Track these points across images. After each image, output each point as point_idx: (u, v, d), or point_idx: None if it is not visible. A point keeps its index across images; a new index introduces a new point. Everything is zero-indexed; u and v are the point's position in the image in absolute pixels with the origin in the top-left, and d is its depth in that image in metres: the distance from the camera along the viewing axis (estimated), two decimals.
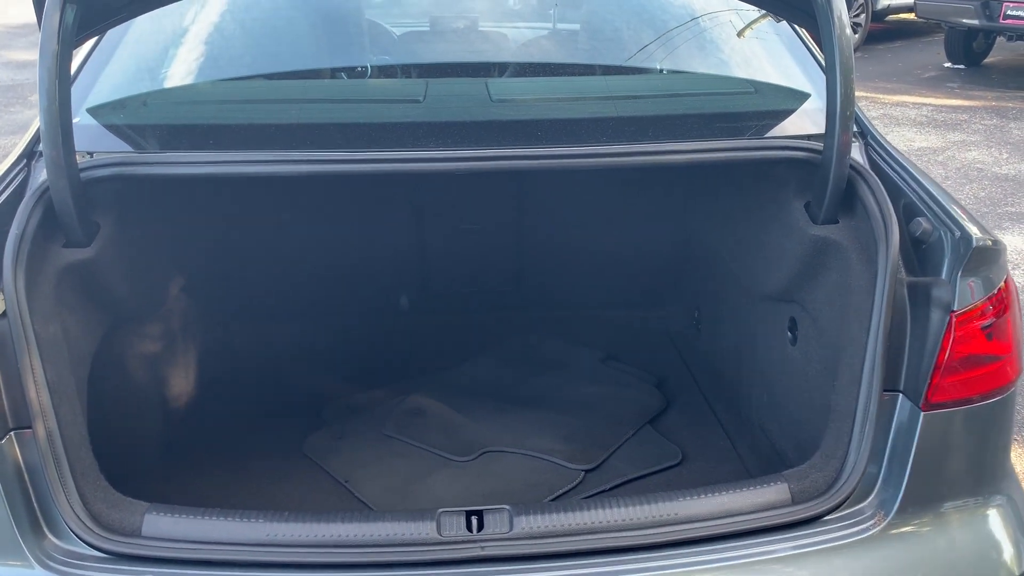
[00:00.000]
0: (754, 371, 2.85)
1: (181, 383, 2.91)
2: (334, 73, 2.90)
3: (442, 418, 3.01)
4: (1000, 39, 11.50)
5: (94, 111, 2.49)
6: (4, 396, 1.95)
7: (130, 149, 2.43)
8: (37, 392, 1.96)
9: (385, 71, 2.92)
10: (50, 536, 1.94)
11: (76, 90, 2.46)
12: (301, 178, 2.34)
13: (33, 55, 9.72)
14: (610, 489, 2.69)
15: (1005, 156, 7.92)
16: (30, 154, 2.34)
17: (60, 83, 2.07)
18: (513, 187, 3.30)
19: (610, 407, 3.07)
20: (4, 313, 1.96)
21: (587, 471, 2.76)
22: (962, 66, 11.53)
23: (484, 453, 2.84)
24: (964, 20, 10.56)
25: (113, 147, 2.38)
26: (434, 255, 3.45)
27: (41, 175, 2.21)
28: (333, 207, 3.13)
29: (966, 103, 9.81)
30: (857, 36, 12.34)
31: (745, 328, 2.90)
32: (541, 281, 3.57)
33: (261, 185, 2.60)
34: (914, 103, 9.83)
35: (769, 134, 2.52)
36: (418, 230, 3.35)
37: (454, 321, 3.57)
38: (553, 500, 2.63)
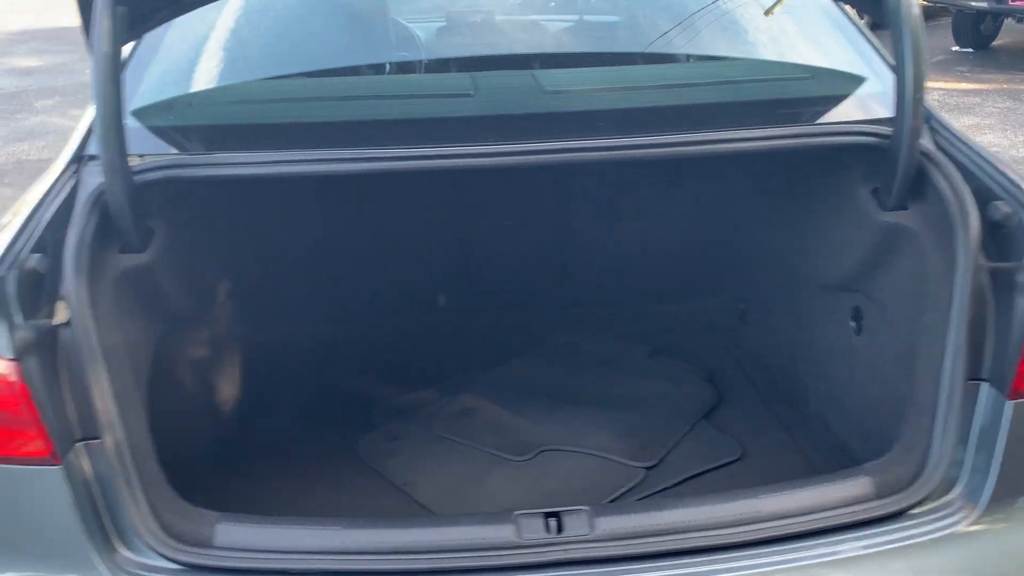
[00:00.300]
0: (811, 362, 2.80)
1: (228, 388, 2.87)
2: (380, 69, 2.84)
3: (494, 418, 2.96)
4: (1008, 21, 11.44)
5: (139, 113, 2.44)
6: (72, 407, 1.90)
7: (176, 151, 2.38)
8: (105, 402, 1.91)
9: (432, 66, 2.87)
10: (123, 549, 1.90)
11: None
12: (357, 176, 2.29)
13: (35, 62, 9.61)
14: (672, 486, 2.64)
15: (1021, 139, 7.87)
16: (79, 159, 2.28)
17: (113, 85, 2.02)
18: (556, 180, 3.25)
19: (663, 403, 3.02)
20: (69, 322, 1.91)
21: (647, 468, 2.71)
22: (970, 49, 11.46)
23: (541, 452, 2.79)
24: (972, 3, 10.49)
25: (159, 149, 2.33)
26: (476, 252, 3.40)
27: (92, 180, 2.16)
28: (380, 205, 3.08)
29: (977, 86, 9.76)
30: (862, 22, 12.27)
31: (800, 319, 2.85)
32: (583, 276, 3.52)
33: (311, 184, 2.55)
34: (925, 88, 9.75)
35: (829, 120, 2.47)
36: (461, 227, 3.30)
37: (496, 319, 3.51)
38: (616, 499, 2.58)
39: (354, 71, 2.82)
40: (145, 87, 2.54)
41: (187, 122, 2.53)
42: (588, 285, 3.55)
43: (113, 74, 2.02)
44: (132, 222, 2.10)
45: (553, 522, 1.95)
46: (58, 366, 1.90)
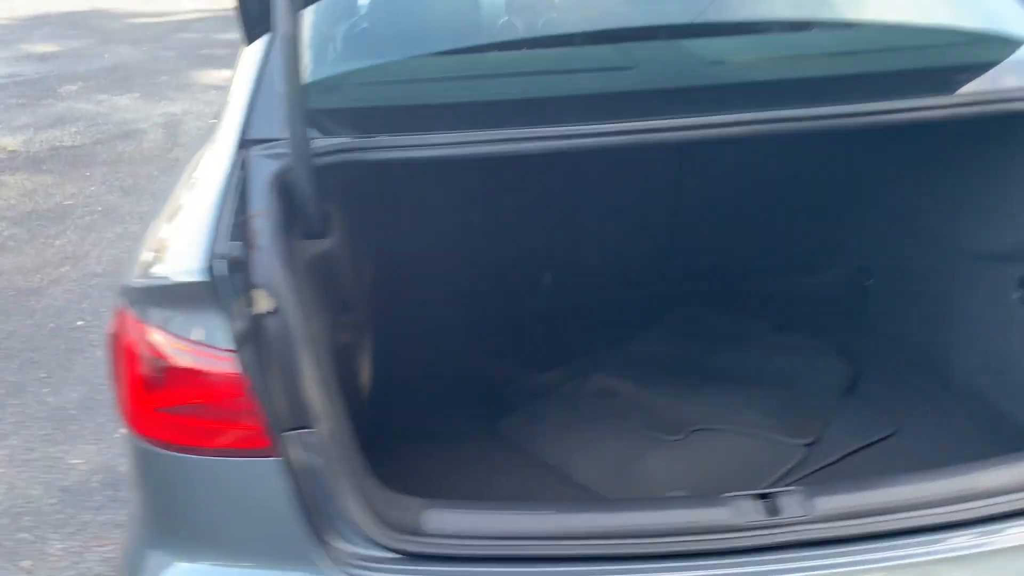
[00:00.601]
0: (961, 333, 2.75)
1: (373, 373, 2.81)
2: (523, 44, 2.76)
3: (635, 397, 2.91)
4: None
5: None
6: (283, 396, 1.84)
7: (319, 135, 2.29)
8: (315, 391, 1.86)
9: (585, 38, 2.77)
10: (337, 540, 1.85)
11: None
12: (524, 156, 2.23)
13: (52, 47, 9.50)
14: (834, 463, 2.60)
15: None
16: (243, 143, 2.20)
17: (296, 65, 1.96)
18: (674, 153, 3.18)
19: (803, 378, 2.97)
20: (274, 310, 1.85)
21: (806, 446, 2.67)
22: None
23: (694, 431, 2.74)
24: None
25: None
26: (587, 228, 3.33)
27: (263, 165, 2.09)
28: (515, 184, 3.01)
29: None
30: None
31: (945, 288, 2.80)
32: (696, 251, 3.45)
33: (468, 165, 2.48)
34: None
35: (1000, 86, 2.41)
36: (577, 203, 3.24)
37: (609, 296, 3.45)
38: (780, 478, 2.53)
39: (506, 46, 2.73)
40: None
41: (334, 104, 2.44)
42: (699, 259, 3.48)
43: (296, 54, 1.96)
44: (317, 207, 2.05)
45: (765, 504, 1.91)
46: (265, 356, 1.85)
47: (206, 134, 2.64)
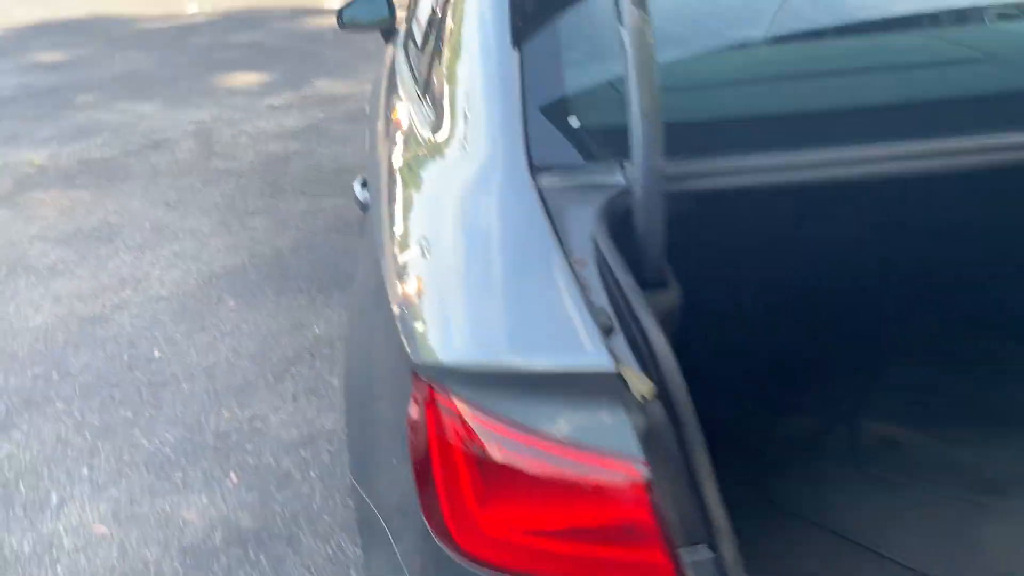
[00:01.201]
0: None
1: None
2: (840, 31, 2.28)
3: (923, 447, 2.46)
4: None
5: (551, 111, 1.85)
6: (680, 509, 1.38)
7: (583, 161, 1.81)
8: (716, 498, 1.40)
9: (895, 24, 2.30)
10: None
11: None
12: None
13: (58, 56, 8.99)
14: None
15: None
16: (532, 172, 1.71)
17: (653, 65, 1.50)
18: None
19: None
20: (658, 394, 1.38)
21: None
22: None
23: (1019, 490, 2.30)
24: None
25: (568, 160, 1.77)
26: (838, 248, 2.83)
27: (567, 198, 1.62)
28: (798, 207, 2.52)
29: None
30: None
31: None
32: (927, 258, 2.96)
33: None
34: None
35: None
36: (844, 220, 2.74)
37: (845, 323, 2.96)
38: None
39: (794, 39, 2.25)
40: (550, 76, 1.96)
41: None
42: (926, 266, 2.98)
43: (651, 49, 1.50)
44: (664, 251, 1.58)
45: None
46: (662, 458, 1.38)
47: (393, 156, 2.17)
